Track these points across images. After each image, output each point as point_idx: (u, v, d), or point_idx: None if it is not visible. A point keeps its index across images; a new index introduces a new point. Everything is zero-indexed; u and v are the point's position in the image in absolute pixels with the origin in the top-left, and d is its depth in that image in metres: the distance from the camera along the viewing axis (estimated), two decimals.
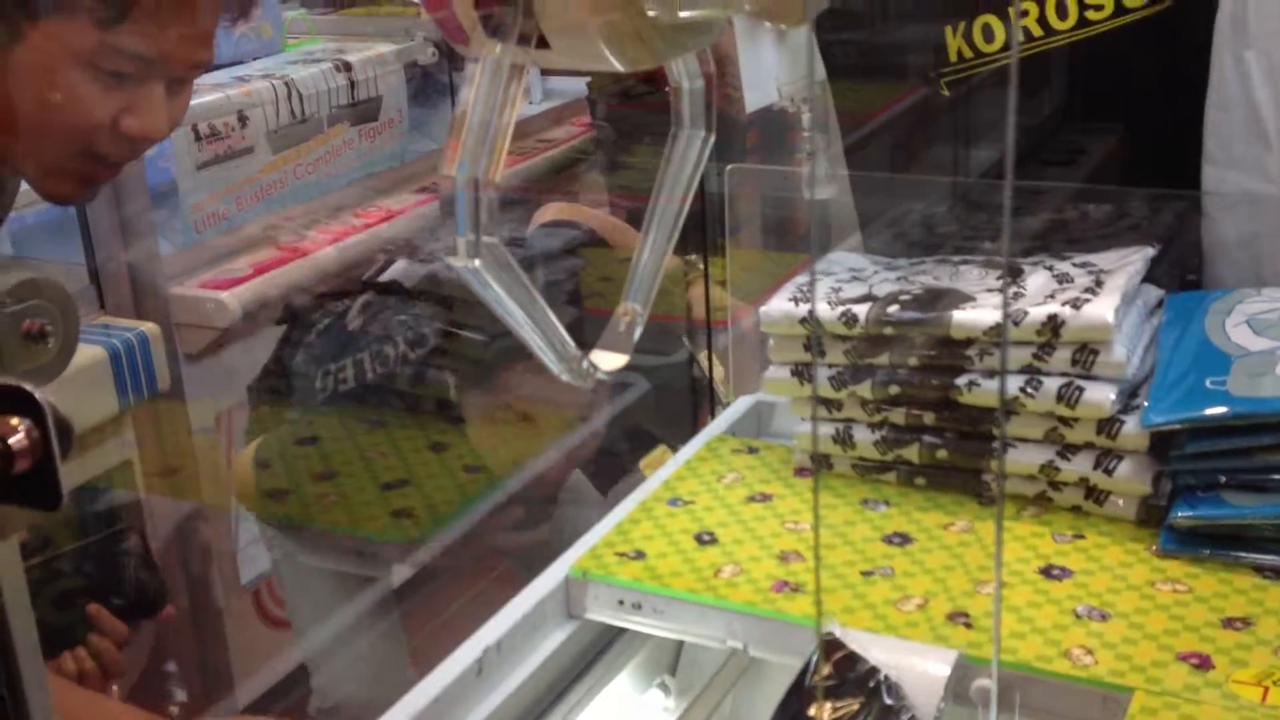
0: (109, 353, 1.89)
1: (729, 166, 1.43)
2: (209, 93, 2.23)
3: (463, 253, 0.64)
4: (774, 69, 1.57)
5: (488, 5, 0.64)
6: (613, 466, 1.79)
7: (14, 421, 0.50)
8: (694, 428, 1.45)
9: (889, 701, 0.87)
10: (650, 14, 0.65)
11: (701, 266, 1.71)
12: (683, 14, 0.67)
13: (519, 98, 0.65)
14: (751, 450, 1.30)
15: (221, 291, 2.10)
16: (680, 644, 1.22)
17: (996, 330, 1.10)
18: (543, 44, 0.65)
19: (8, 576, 0.53)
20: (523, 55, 0.64)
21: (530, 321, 0.72)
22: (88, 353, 1.88)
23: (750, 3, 0.62)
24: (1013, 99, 0.58)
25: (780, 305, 1.22)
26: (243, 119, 2.30)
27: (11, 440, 0.49)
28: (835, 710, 0.87)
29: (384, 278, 1.73)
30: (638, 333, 0.91)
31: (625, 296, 0.92)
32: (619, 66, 0.67)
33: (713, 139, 0.78)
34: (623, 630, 1.14)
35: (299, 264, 2.20)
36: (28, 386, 0.50)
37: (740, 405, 1.40)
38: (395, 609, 1.74)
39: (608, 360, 0.83)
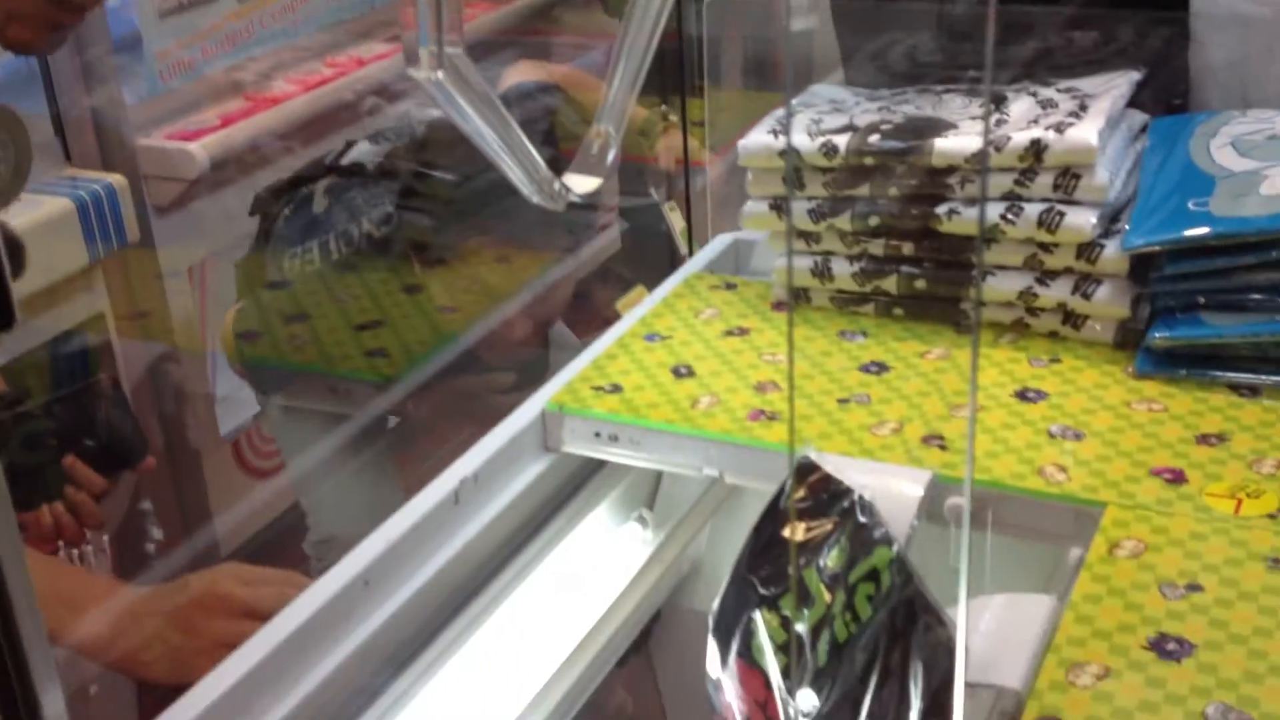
0: (76, 205, 1.86)
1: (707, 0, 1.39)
2: None
3: (425, 64, 0.62)
4: None
5: None
6: (590, 310, 1.78)
7: None
8: (670, 270, 1.43)
9: (862, 520, 0.87)
10: None
11: (674, 118, 1.68)
12: None
13: None
14: (729, 286, 1.28)
15: (189, 143, 2.06)
16: (658, 478, 1.22)
17: (979, 157, 1.08)
18: None
19: None
20: None
21: (498, 139, 0.70)
22: (55, 205, 1.84)
23: None
24: None
25: (759, 138, 1.19)
26: None
27: None
28: (808, 530, 0.87)
29: (345, 160, 1.69)
30: (611, 155, 0.89)
31: (597, 120, 0.89)
32: None
33: None
34: (600, 465, 1.14)
35: (268, 114, 2.15)
36: None
37: (718, 243, 1.38)
38: (382, 443, 1.74)
39: (581, 183, 0.81)
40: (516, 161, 0.73)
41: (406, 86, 1.56)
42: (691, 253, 1.41)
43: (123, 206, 1.91)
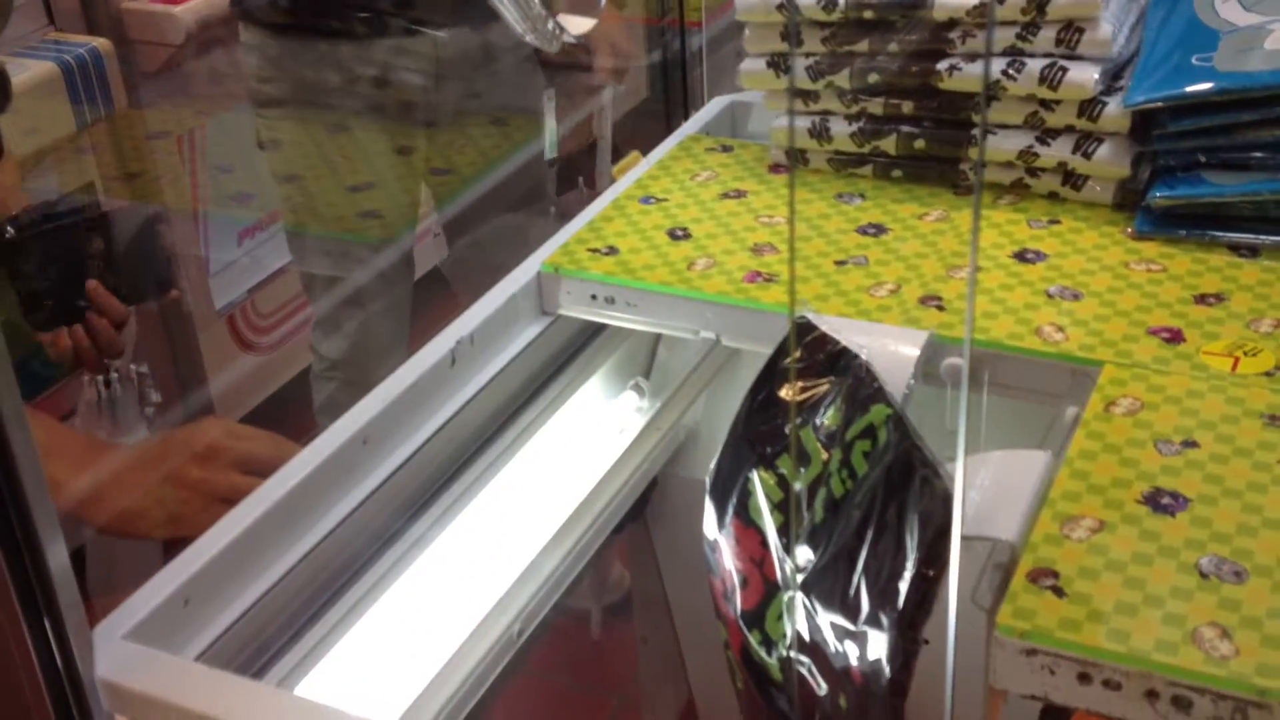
0: (61, 68, 1.83)
1: None
2: None
3: None
4: None
5: None
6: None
7: None
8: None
9: (859, 380, 0.87)
10: None
11: None
12: None
13: None
14: (725, 149, 1.27)
15: (173, 6, 2.02)
16: (654, 345, 1.22)
17: (980, 10, 1.05)
18: None
19: None
20: None
21: None
22: (40, 68, 1.81)
23: None
24: None
25: None
26: None
27: None
28: (805, 389, 0.87)
29: None
30: None
31: None
32: None
33: None
34: (597, 331, 1.14)
35: None
36: None
37: (714, 105, 1.36)
38: (403, 291, 1.72)
39: (575, 24, 0.79)
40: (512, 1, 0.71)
41: None
42: (687, 115, 1.39)
43: (109, 70, 1.88)
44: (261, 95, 1.65)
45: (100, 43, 1.89)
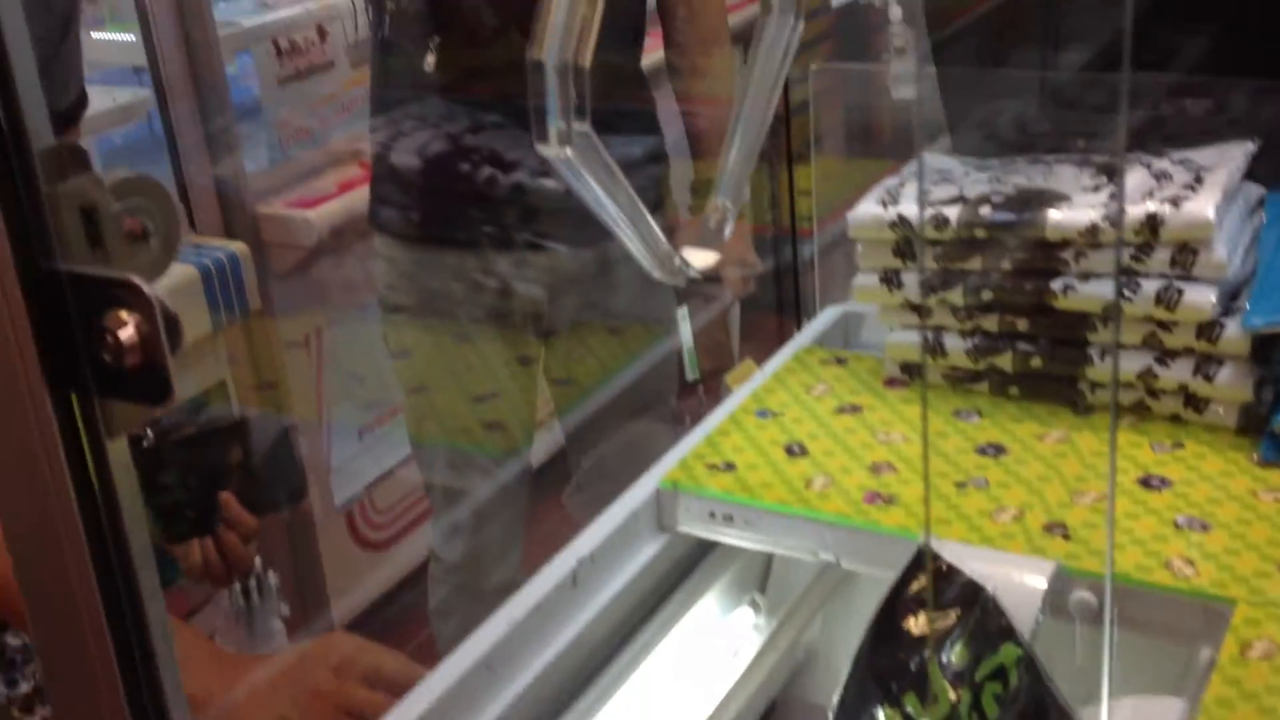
0: (200, 272, 1.92)
1: (813, 67, 1.40)
2: (288, 6, 2.23)
3: (554, 140, 0.63)
4: None
5: None
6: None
7: (124, 315, 0.50)
8: (778, 343, 1.44)
9: (986, 614, 0.86)
10: None
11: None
12: None
13: None
14: (840, 361, 1.28)
15: (309, 210, 2.12)
16: (769, 560, 1.21)
17: (1093, 231, 1.07)
18: None
19: (121, 477, 0.54)
20: None
21: (623, 215, 0.71)
22: (180, 271, 1.90)
23: None
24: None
25: (869, 209, 1.19)
26: (322, 33, 2.30)
27: (121, 334, 0.50)
28: (931, 622, 0.86)
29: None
30: (728, 230, 0.90)
31: (715, 193, 0.90)
32: None
33: (801, 25, 0.76)
34: (712, 547, 1.14)
35: None
36: (136, 279, 0.50)
37: (827, 316, 1.38)
38: (520, 496, 1.75)
39: (699, 258, 0.82)
40: (639, 236, 0.74)
41: (519, 157, 1.60)
42: (799, 325, 1.41)
43: (245, 274, 1.97)
44: (389, 302, 1.72)
45: (238, 247, 1.99)
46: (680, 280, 0.81)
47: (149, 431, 1.28)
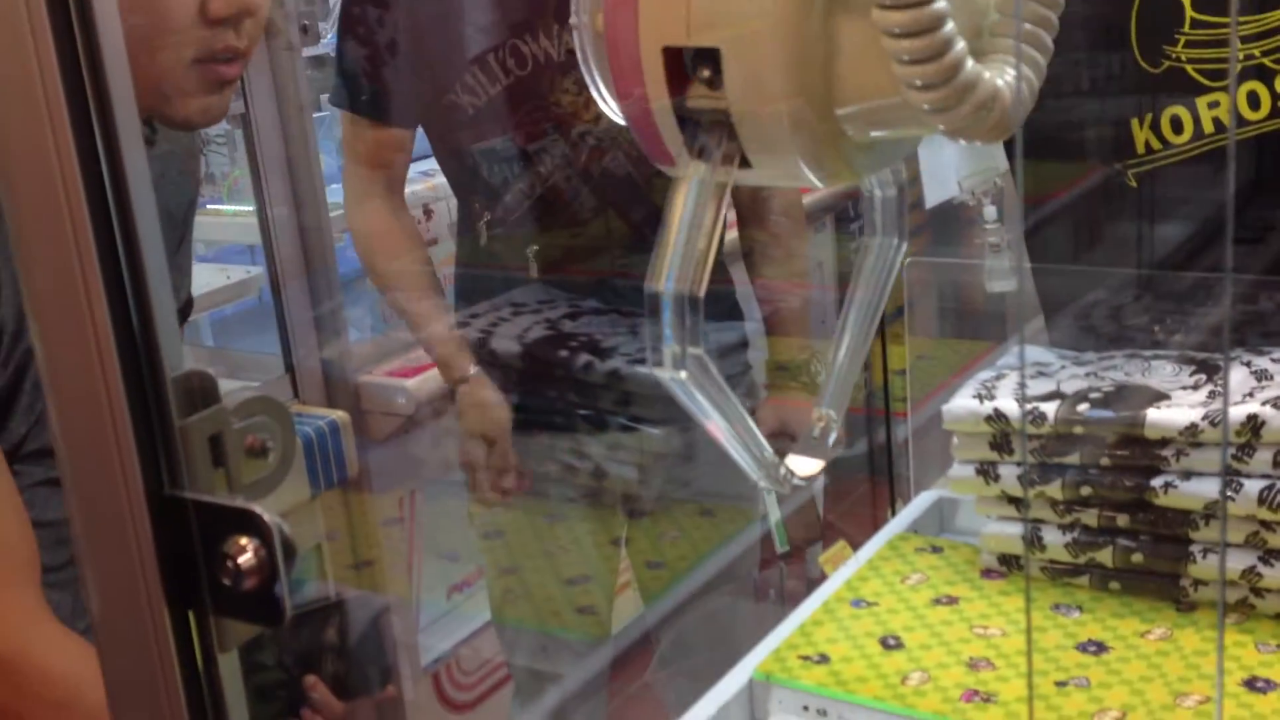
0: (302, 440, 1.97)
1: (908, 260, 1.42)
2: None
3: (668, 363, 0.67)
4: (954, 162, 1.56)
5: (693, 130, 0.66)
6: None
7: (243, 542, 0.53)
8: (872, 517, 1.43)
9: None
10: (848, 132, 0.66)
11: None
12: (874, 134, 0.68)
13: (723, 213, 0.67)
14: (935, 549, 1.27)
15: (407, 380, 2.17)
16: None
17: (1193, 430, 1.06)
18: (744, 163, 0.67)
19: (230, 687, 0.56)
20: (725, 174, 0.66)
21: (731, 430, 0.73)
22: None
23: (944, 123, 0.63)
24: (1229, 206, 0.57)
25: (964, 402, 1.20)
26: (428, 211, 2.38)
27: (241, 560, 0.53)
28: None
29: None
30: (832, 439, 0.92)
31: (819, 403, 0.92)
32: (819, 183, 0.69)
33: (905, 246, 0.78)
34: None
35: None
36: (257, 509, 0.53)
37: (922, 501, 1.38)
38: (605, 677, 1.74)
39: (804, 466, 0.83)
40: (745, 449, 0.76)
41: (616, 343, 1.64)
42: (893, 509, 1.41)
43: (344, 442, 2.01)
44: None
45: (339, 415, 2.04)
46: (785, 488, 0.82)
47: None
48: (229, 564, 0.53)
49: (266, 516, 0.54)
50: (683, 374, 0.66)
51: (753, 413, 1.77)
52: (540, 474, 1.69)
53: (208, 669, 0.55)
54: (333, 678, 1.25)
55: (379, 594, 2.05)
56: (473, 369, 1.71)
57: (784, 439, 1.74)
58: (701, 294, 0.65)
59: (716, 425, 0.71)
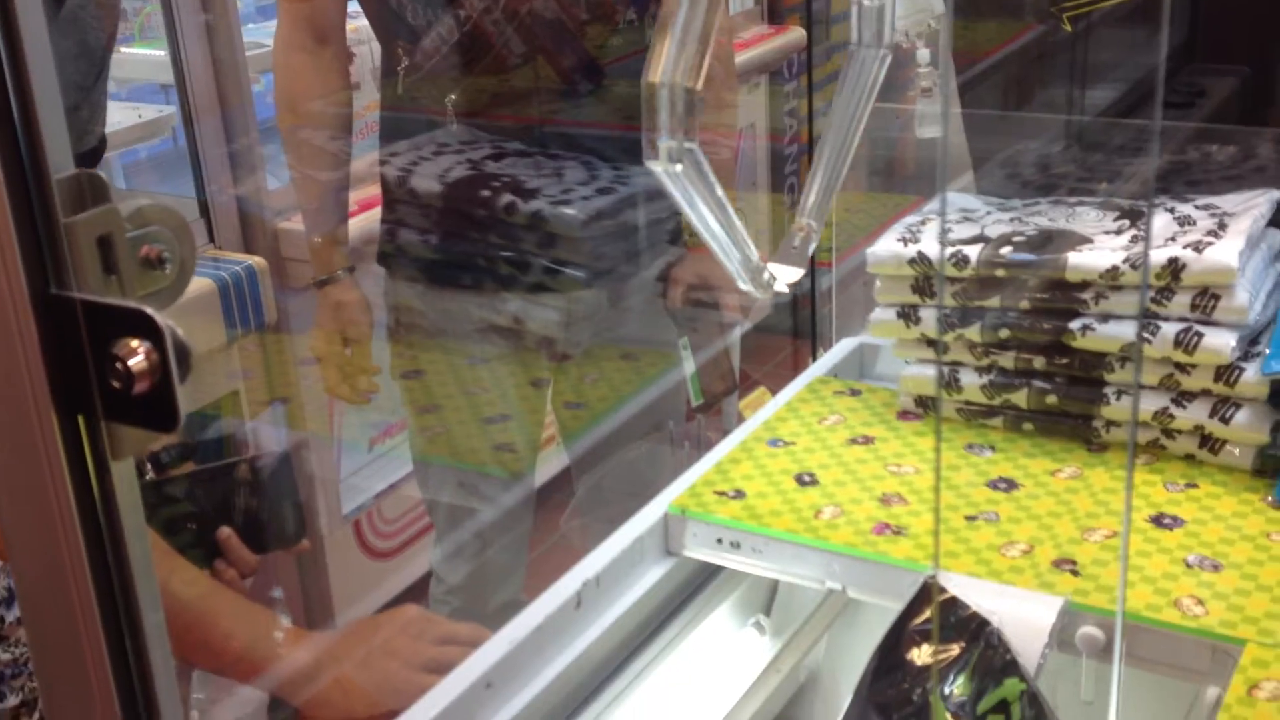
0: (218, 285, 1.93)
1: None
2: None
3: (664, 157, 0.65)
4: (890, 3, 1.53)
5: None
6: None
7: (134, 344, 0.51)
8: (794, 373, 1.44)
9: (990, 648, 0.86)
10: None
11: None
12: None
13: (718, 11, 0.65)
14: (854, 393, 1.28)
15: None
16: (775, 584, 1.21)
17: (1113, 273, 1.07)
18: None
19: (124, 496, 0.54)
20: None
21: (721, 228, 0.72)
22: (197, 284, 1.92)
23: None
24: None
25: (888, 245, 1.19)
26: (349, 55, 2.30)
27: (132, 362, 0.51)
28: (935, 654, 0.86)
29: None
30: (812, 248, 0.91)
31: (800, 213, 0.92)
32: None
33: (889, 57, 0.77)
34: (718, 569, 1.14)
35: None
36: (148, 310, 0.51)
37: (843, 347, 1.38)
38: (525, 519, 1.75)
39: (785, 273, 0.83)
40: (735, 248, 0.75)
41: (540, 185, 1.60)
42: (815, 356, 1.41)
43: (262, 288, 1.98)
44: (400, 326, 1.72)
45: (256, 261, 2.00)
46: (766, 293, 0.82)
47: (150, 466, 1.28)
48: (119, 366, 0.51)
49: (158, 317, 0.52)
50: (678, 167, 0.65)
51: (672, 264, 1.76)
52: (461, 315, 1.67)
53: (100, 477, 0.53)
54: (247, 530, 1.25)
55: (296, 440, 2.04)
56: (342, 271, 1.69)
57: (704, 290, 1.73)
58: (699, 86, 0.63)
59: (705, 223, 0.70)
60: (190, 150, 2.08)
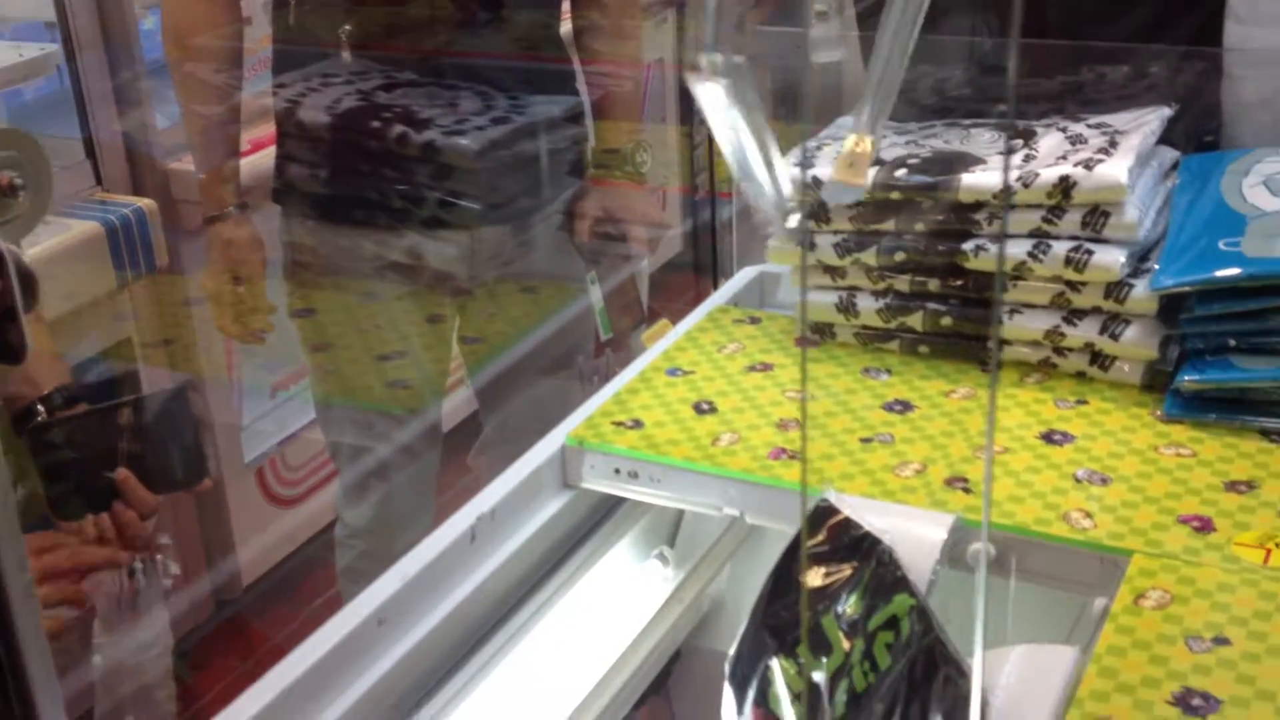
0: (105, 228, 1.87)
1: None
2: None
3: (707, 69, 0.61)
4: None
5: None
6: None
7: None
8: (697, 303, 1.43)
9: (882, 566, 0.86)
10: None
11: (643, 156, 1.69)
12: None
13: None
14: (753, 320, 1.27)
15: None
16: (679, 515, 1.21)
17: (1006, 193, 1.06)
18: None
19: None
20: None
21: (759, 153, 0.69)
22: (84, 228, 1.86)
23: None
24: None
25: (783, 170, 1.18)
26: None
27: None
28: (827, 576, 0.85)
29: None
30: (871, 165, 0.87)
31: (858, 126, 0.89)
32: None
33: None
34: (620, 501, 1.13)
35: None
36: None
37: (743, 276, 1.37)
38: (430, 459, 1.73)
39: (843, 193, 0.79)
40: (768, 177, 0.72)
41: (433, 115, 1.57)
42: (716, 285, 1.40)
43: (152, 231, 1.92)
44: (294, 260, 1.68)
45: (145, 203, 1.94)
46: (793, 225, 0.79)
47: (40, 408, 1.24)
48: None
49: (2, 243, 0.49)
50: (722, 82, 0.61)
51: (578, 199, 1.74)
52: (356, 252, 1.63)
53: None
54: (141, 471, 1.21)
55: (190, 383, 1.99)
56: (232, 207, 1.64)
57: (608, 223, 1.71)
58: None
59: (742, 146, 0.66)
60: (75, 89, 2.01)
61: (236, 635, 2.15)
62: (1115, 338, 1.06)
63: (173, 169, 2.06)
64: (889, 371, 1.14)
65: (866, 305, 1.16)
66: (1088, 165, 1.05)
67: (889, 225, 1.13)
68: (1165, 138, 1.15)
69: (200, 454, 1.30)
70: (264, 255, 1.65)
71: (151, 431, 1.25)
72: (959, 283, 1.12)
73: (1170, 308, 1.04)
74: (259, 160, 2.08)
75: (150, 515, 1.24)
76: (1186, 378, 1.01)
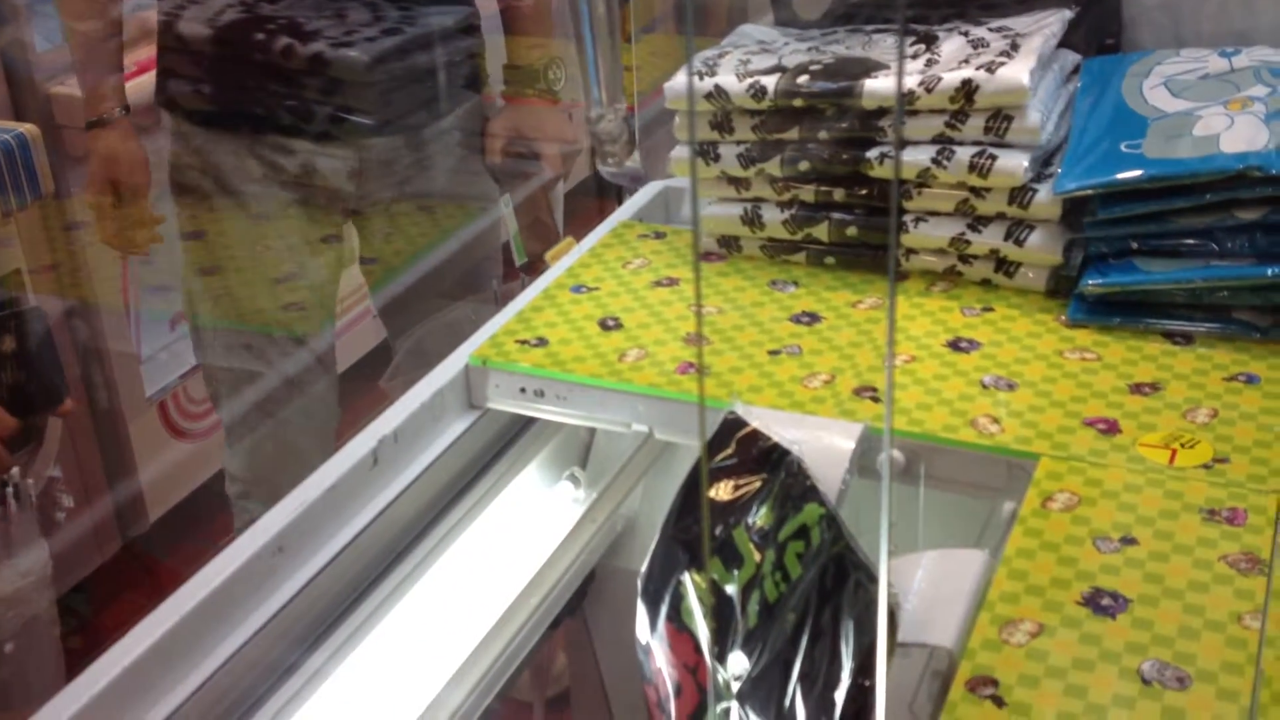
0: None
1: None
2: None
3: None
4: None
5: None
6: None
7: None
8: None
9: (791, 476, 0.85)
10: None
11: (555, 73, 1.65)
12: None
13: None
14: (658, 235, 1.25)
15: None
16: (591, 436, 1.19)
17: (908, 98, 1.05)
18: None
19: None
20: None
21: (606, 50, 0.66)
22: None
23: None
24: None
25: (686, 79, 1.16)
26: None
27: None
28: (736, 489, 0.84)
29: None
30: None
31: (598, 106, 0.85)
32: None
33: None
34: (530, 423, 1.11)
35: None
36: None
37: (648, 191, 1.35)
38: (327, 385, 1.69)
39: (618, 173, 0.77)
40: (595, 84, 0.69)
41: (320, 26, 1.50)
42: (620, 201, 1.38)
43: (35, 157, 1.84)
44: (182, 184, 1.62)
45: (28, 128, 1.85)
46: (612, 126, 0.76)
47: None
48: None
49: None
50: None
51: (490, 118, 1.69)
52: (243, 170, 1.57)
53: None
54: (8, 389, 1.17)
55: (76, 310, 1.93)
56: (119, 111, 1.57)
57: (520, 141, 1.67)
58: None
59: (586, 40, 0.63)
60: None
61: (142, 570, 2.11)
62: (1020, 243, 1.05)
63: (55, 92, 1.98)
64: (796, 284, 1.13)
65: (772, 217, 1.15)
66: (989, 68, 1.04)
67: (792, 134, 1.11)
68: (1067, 41, 1.14)
69: (58, 377, 1.26)
70: (148, 166, 1.58)
71: (5, 356, 1.21)
72: (864, 192, 1.11)
73: (1074, 212, 1.04)
74: (148, 80, 2.00)
75: (7, 437, 1.21)
76: (1090, 281, 1.01)
